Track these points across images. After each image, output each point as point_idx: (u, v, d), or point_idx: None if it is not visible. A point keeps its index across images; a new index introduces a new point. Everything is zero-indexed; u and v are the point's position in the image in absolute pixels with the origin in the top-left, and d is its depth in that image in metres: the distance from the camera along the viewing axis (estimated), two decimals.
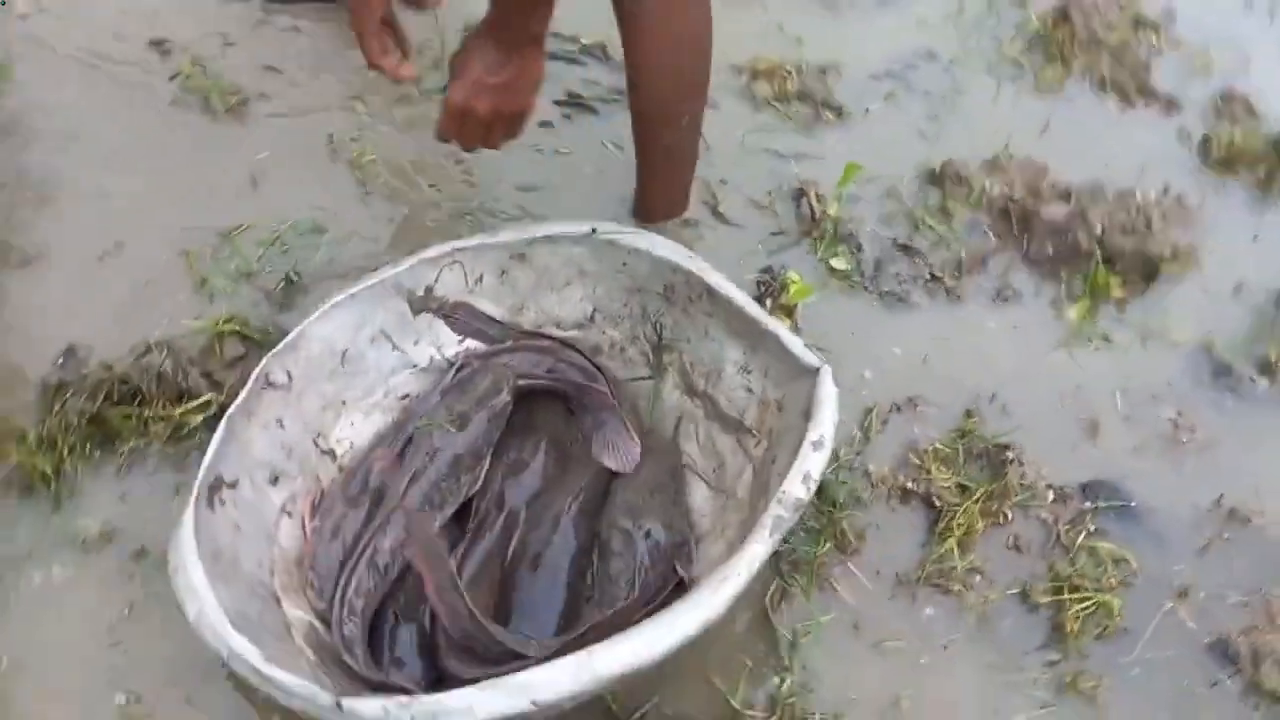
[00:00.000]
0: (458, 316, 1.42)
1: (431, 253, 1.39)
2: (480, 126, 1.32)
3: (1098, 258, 1.56)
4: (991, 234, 1.62)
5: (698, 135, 1.56)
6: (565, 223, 1.40)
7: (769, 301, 1.54)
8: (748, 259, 1.58)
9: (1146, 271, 1.57)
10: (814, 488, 1.12)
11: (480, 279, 1.42)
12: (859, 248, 1.60)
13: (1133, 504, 1.37)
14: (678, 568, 1.24)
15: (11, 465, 1.28)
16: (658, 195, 1.60)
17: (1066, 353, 1.52)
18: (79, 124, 1.65)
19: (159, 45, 1.77)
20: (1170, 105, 1.82)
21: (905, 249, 1.60)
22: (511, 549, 1.24)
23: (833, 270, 1.58)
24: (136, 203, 1.58)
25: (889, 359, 1.50)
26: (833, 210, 1.62)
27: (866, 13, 1.95)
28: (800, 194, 1.65)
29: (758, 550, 1.07)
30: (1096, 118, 1.80)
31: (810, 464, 1.13)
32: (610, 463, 1.36)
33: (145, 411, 1.33)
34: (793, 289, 1.53)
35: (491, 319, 1.43)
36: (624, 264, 1.38)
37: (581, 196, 1.65)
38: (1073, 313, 1.54)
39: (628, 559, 1.22)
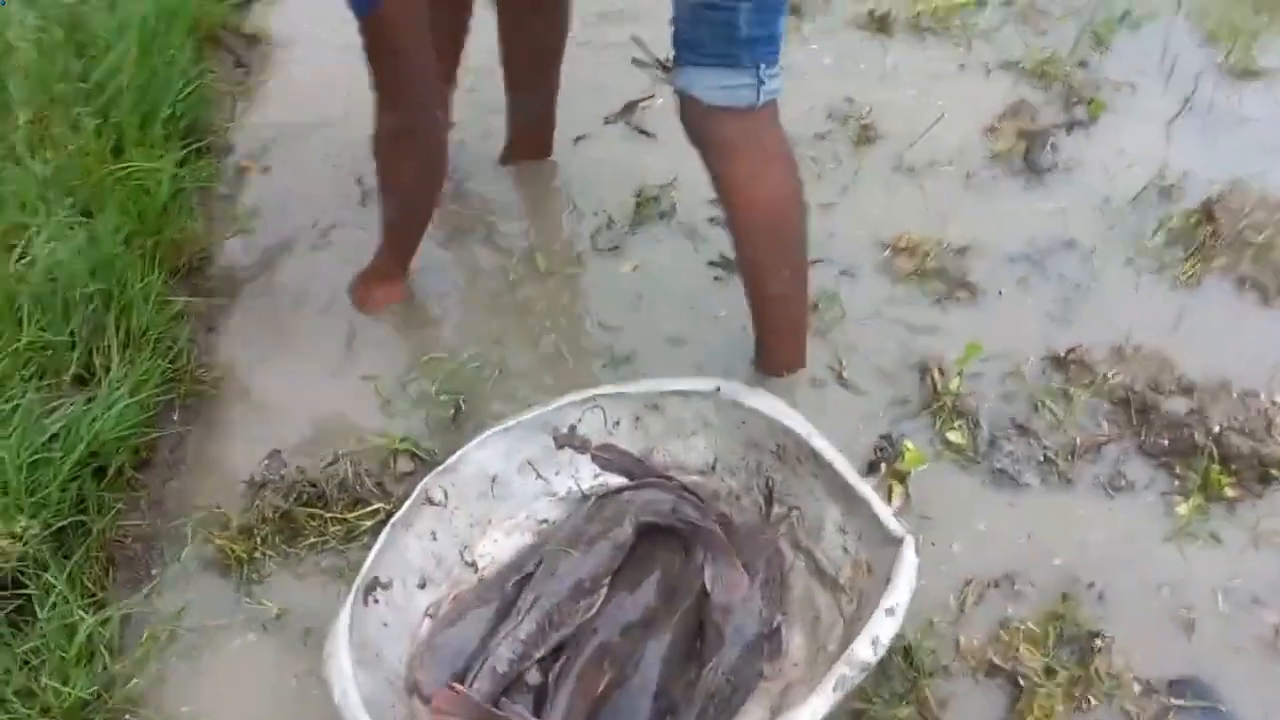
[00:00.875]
0: (600, 454, 1.61)
1: (577, 397, 1.60)
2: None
3: (1212, 456, 1.60)
4: (1109, 422, 1.69)
5: (802, 289, 1.72)
6: (694, 379, 1.58)
7: (884, 467, 1.65)
8: (868, 424, 1.70)
9: (1262, 474, 1.59)
10: (882, 652, 1.23)
11: (618, 423, 1.60)
12: (976, 424, 1.70)
13: (1222, 707, 1.38)
14: (762, 663, 1.39)
15: (215, 547, 1.53)
16: (772, 347, 1.77)
17: (1173, 546, 1.55)
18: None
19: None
20: None
21: (1021, 429, 1.69)
22: (604, 679, 1.38)
23: (948, 443, 1.68)
24: (325, 337, 1.86)
25: (993, 534, 1.58)
26: (954, 385, 1.73)
27: (1012, 198, 2.07)
28: (925, 368, 1.77)
29: (817, 703, 1.18)
30: (1231, 315, 1.84)
31: (880, 629, 1.24)
32: (719, 593, 1.49)
33: (326, 513, 1.57)
34: (907, 457, 1.64)
35: (629, 456, 1.61)
36: (743, 421, 1.54)
37: (726, 351, 1.82)
38: (1182, 508, 1.58)
39: (716, 649, 1.38)
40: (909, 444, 1.65)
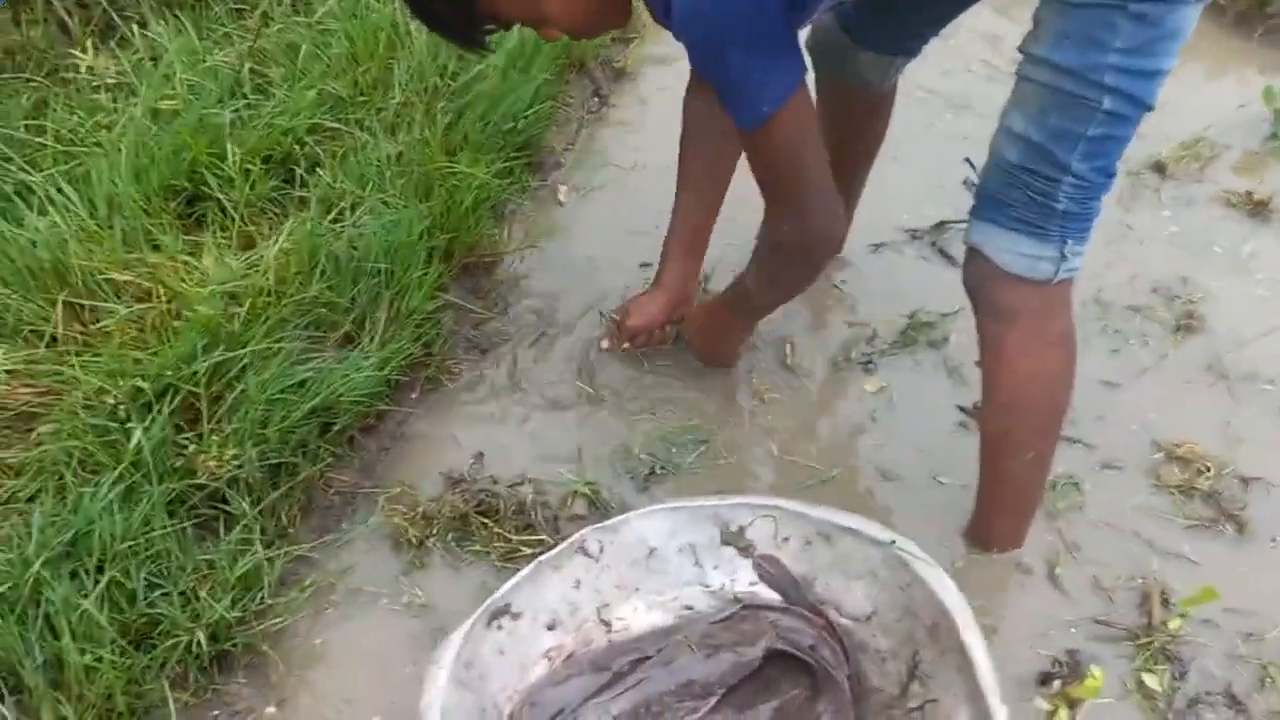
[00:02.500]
0: (763, 563, 1.58)
1: (755, 500, 1.58)
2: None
3: None
4: None
5: (1043, 474, 1.59)
6: (874, 524, 1.51)
7: (1057, 683, 1.50)
8: (1057, 632, 1.55)
9: None
10: None
11: (787, 539, 1.56)
12: (1182, 675, 1.50)
13: None
14: None
15: (395, 525, 1.66)
16: (990, 521, 1.65)
17: None
18: None
19: None
20: None
21: (1233, 702, 1.46)
22: None
23: (1141, 685, 1.49)
24: (566, 367, 1.94)
25: None
26: (1172, 625, 1.53)
27: None
28: (1147, 594, 1.58)
29: None
30: None
31: None
32: None
33: (497, 528, 1.65)
34: (1086, 683, 1.47)
35: (790, 576, 1.57)
36: (908, 584, 1.45)
37: (937, 503, 1.73)
38: None
39: None
40: (1095, 670, 1.48)
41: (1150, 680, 1.49)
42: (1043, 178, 1.35)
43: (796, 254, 1.58)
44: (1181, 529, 1.68)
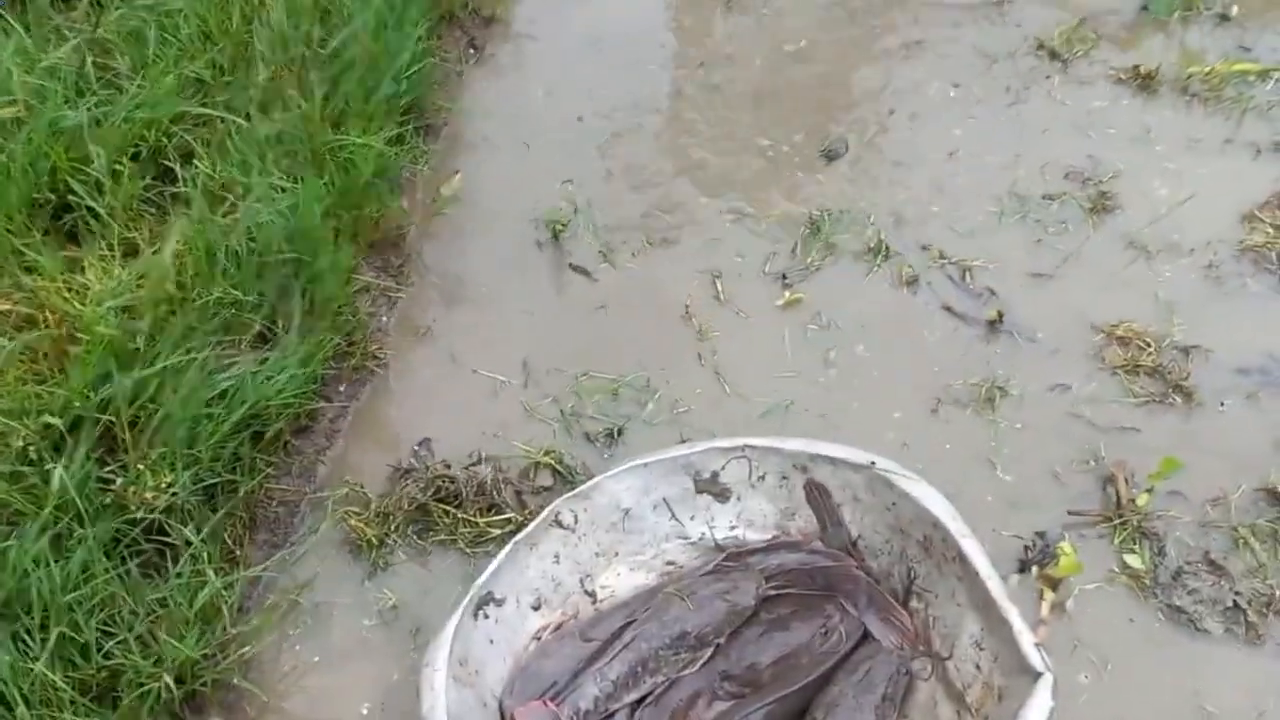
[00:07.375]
0: (815, 492, 1.51)
1: (724, 443, 1.53)
2: None
3: None
4: None
5: None
6: (850, 449, 1.48)
7: (1034, 569, 1.51)
8: (1024, 522, 1.56)
9: None
10: None
11: (763, 477, 1.53)
12: (1161, 550, 1.52)
13: None
14: None
15: (351, 527, 1.56)
16: None
17: None
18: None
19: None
20: None
21: (1214, 566, 1.50)
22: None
23: (1125, 566, 1.51)
24: (498, 334, 1.86)
25: (1154, 681, 1.41)
26: (1141, 501, 1.56)
27: (1258, 300, 1.84)
28: (1110, 476, 1.60)
29: None
30: None
31: None
32: (886, 638, 1.41)
33: (460, 513, 1.57)
34: (1062, 561, 1.49)
35: (838, 518, 1.51)
36: (893, 504, 1.44)
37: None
38: None
39: None
40: (1064, 546, 1.50)
41: (1132, 560, 1.52)
42: None
43: None
44: (1132, 407, 1.70)
